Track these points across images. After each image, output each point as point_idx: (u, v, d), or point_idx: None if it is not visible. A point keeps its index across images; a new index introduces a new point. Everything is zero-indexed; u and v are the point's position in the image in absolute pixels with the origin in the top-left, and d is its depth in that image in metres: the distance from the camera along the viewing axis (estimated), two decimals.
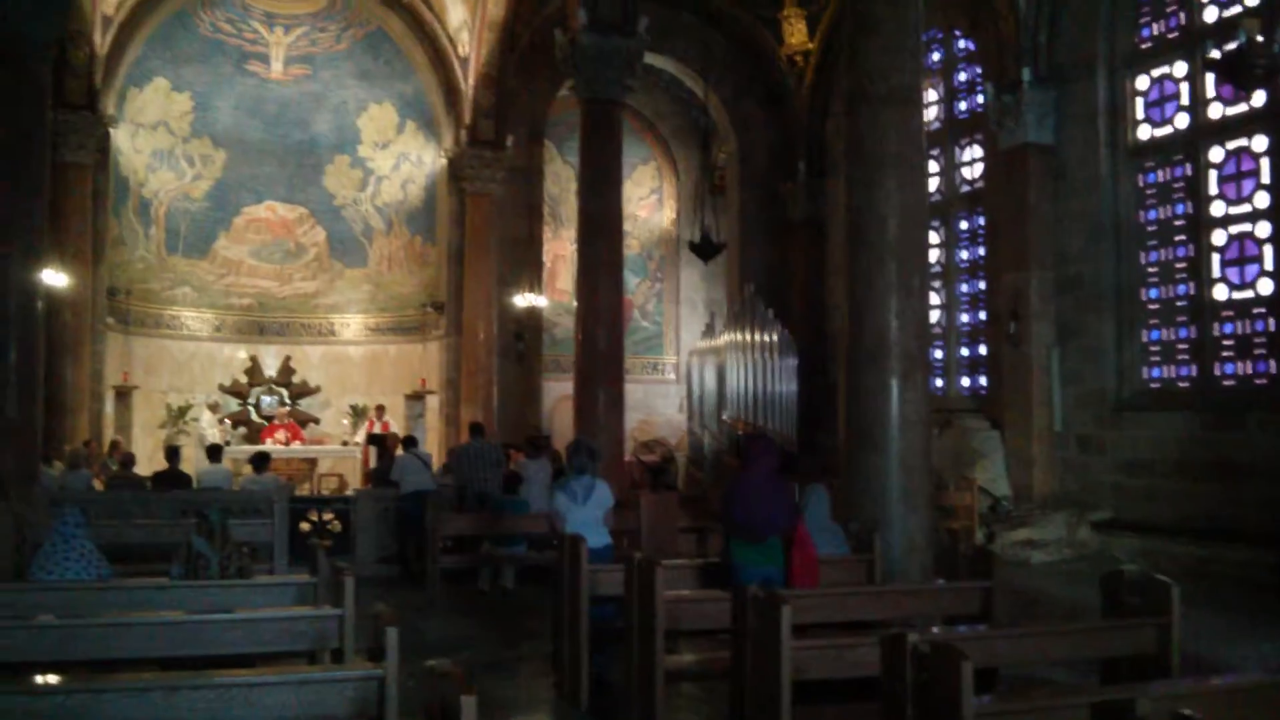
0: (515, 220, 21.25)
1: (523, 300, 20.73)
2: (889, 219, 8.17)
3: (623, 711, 6.83)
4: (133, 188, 21.07)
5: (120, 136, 20.16)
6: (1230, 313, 13.42)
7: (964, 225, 17.59)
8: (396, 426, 19.76)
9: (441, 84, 21.23)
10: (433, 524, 11.53)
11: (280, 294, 22.79)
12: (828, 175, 21.11)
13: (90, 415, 18.49)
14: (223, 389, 21.50)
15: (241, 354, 22.14)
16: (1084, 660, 6.09)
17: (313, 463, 19.84)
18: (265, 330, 22.58)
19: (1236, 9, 13.35)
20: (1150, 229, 14.42)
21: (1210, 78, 13.63)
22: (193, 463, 17.11)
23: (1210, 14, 13.80)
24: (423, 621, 9.98)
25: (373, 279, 22.90)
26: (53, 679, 4.77)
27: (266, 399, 21.37)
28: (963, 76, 17.84)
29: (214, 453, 14.51)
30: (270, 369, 21.84)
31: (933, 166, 17.44)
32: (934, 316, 17.14)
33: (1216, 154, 13.62)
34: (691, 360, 21.91)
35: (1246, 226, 13.24)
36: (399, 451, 14.17)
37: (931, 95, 17.66)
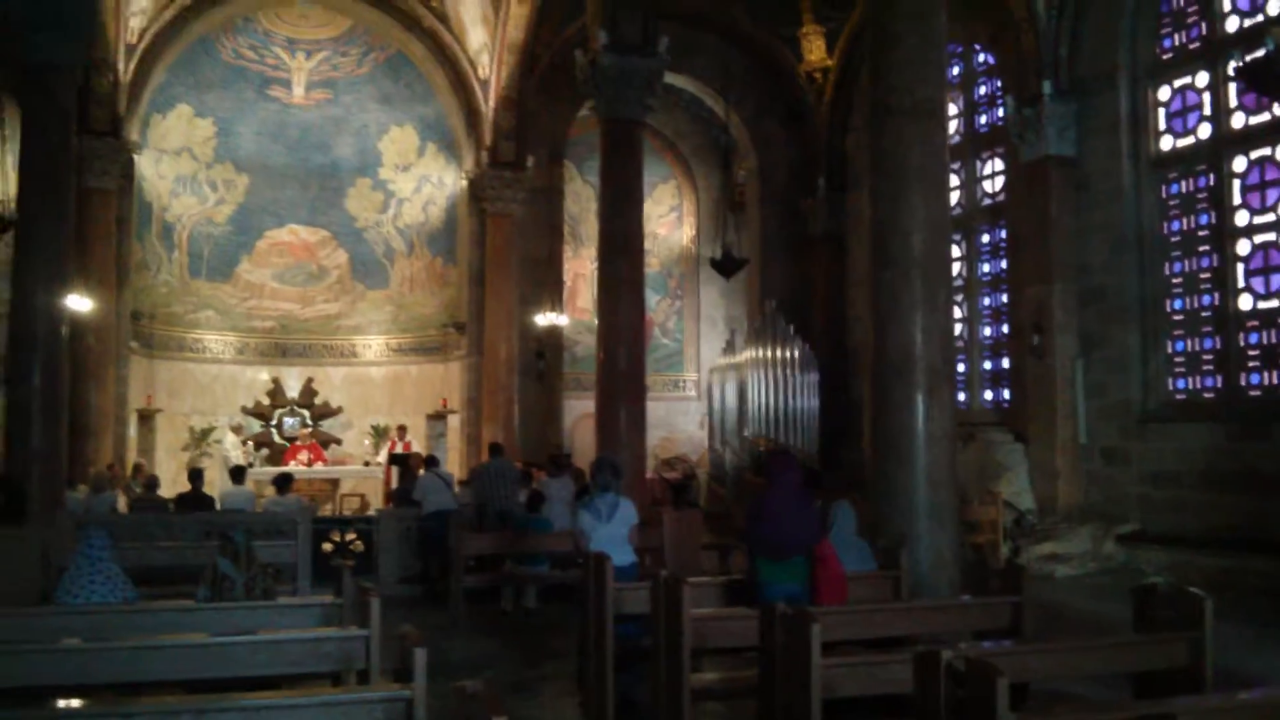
0: (536, 240, 21.31)
1: (544, 319, 20.75)
2: (913, 233, 8.14)
3: None
4: (156, 213, 21.23)
5: (144, 162, 20.31)
6: (1255, 323, 13.31)
7: (985, 239, 17.54)
8: (418, 446, 19.78)
9: (462, 106, 21.34)
10: (456, 543, 11.51)
11: (302, 316, 22.89)
12: (848, 190, 21.11)
13: (114, 439, 18.58)
14: (245, 411, 21.58)
15: (264, 376, 22.22)
16: (1115, 675, 6.02)
17: (335, 483, 19.90)
18: (287, 352, 22.68)
19: (1259, 19, 13.28)
20: (1174, 240, 14.33)
21: (1233, 87, 13.58)
22: (215, 485, 17.15)
23: (1232, 24, 13.73)
24: (446, 641, 9.95)
25: (394, 300, 22.98)
26: (78, 703, 4.77)
27: (289, 420, 21.43)
28: (983, 90, 17.81)
29: (237, 474, 14.53)
30: (292, 390, 21.92)
31: (953, 180, 17.38)
32: (956, 330, 17.06)
33: (1240, 163, 13.54)
34: (712, 377, 21.89)
35: (1271, 236, 13.14)
36: (421, 471, 14.17)
37: (952, 109, 17.58)
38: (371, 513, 17.58)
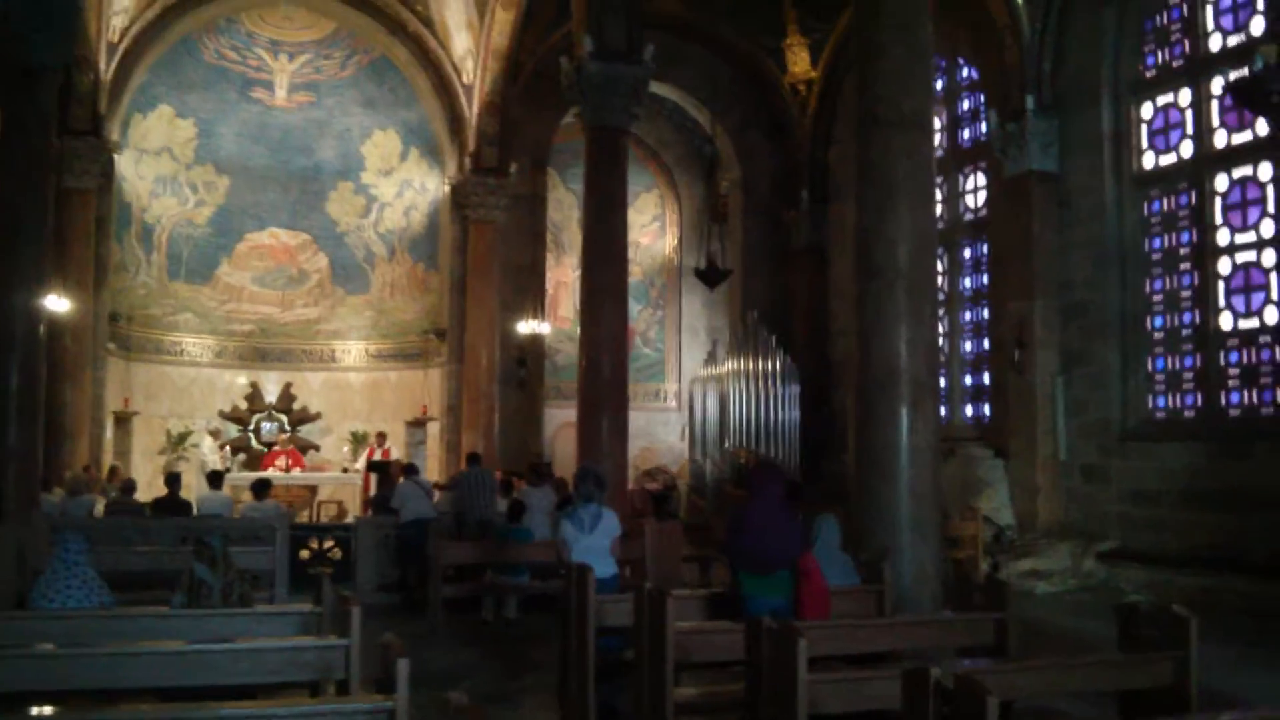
0: (518, 247, 21.27)
1: (526, 327, 20.70)
2: (899, 244, 8.13)
3: None
4: (135, 213, 21.08)
5: (124, 162, 20.18)
6: (1236, 341, 13.40)
7: (967, 253, 17.59)
8: (397, 453, 19.68)
9: (446, 111, 21.28)
10: (435, 552, 11.43)
11: (282, 320, 22.76)
12: (831, 202, 21.15)
13: (90, 441, 18.41)
14: (223, 415, 21.43)
15: (242, 380, 22.08)
16: (1100, 694, 6.01)
17: (313, 490, 19.76)
18: (266, 356, 22.55)
19: (1242, 37, 13.37)
20: (1155, 257, 14.41)
21: (1215, 105, 13.67)
22: (192, 489, 17.01)
23: (1215, 42, 13.82)
24: (425, 651, 9.87)
25: (375, 305, 22.89)
26: (51, 710, 4.69)
27: (267, 425, 21.28)
28: (966, 105, 17.88)
29: (214, 479, 14.42)
30: (271, 395, 21.77)
31: (936, 194, 17.41)
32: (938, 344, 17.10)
33: (1222, 182, 13.63)
34: (694, 387, 21.87)
35: (1252, 255, 13.23)
36: (400, 479, 14.08)
37: (935, 123, 17.65)
38: (349, 520, 17.49)
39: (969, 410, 17.40)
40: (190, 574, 6.97)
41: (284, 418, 21.46)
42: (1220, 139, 13.69)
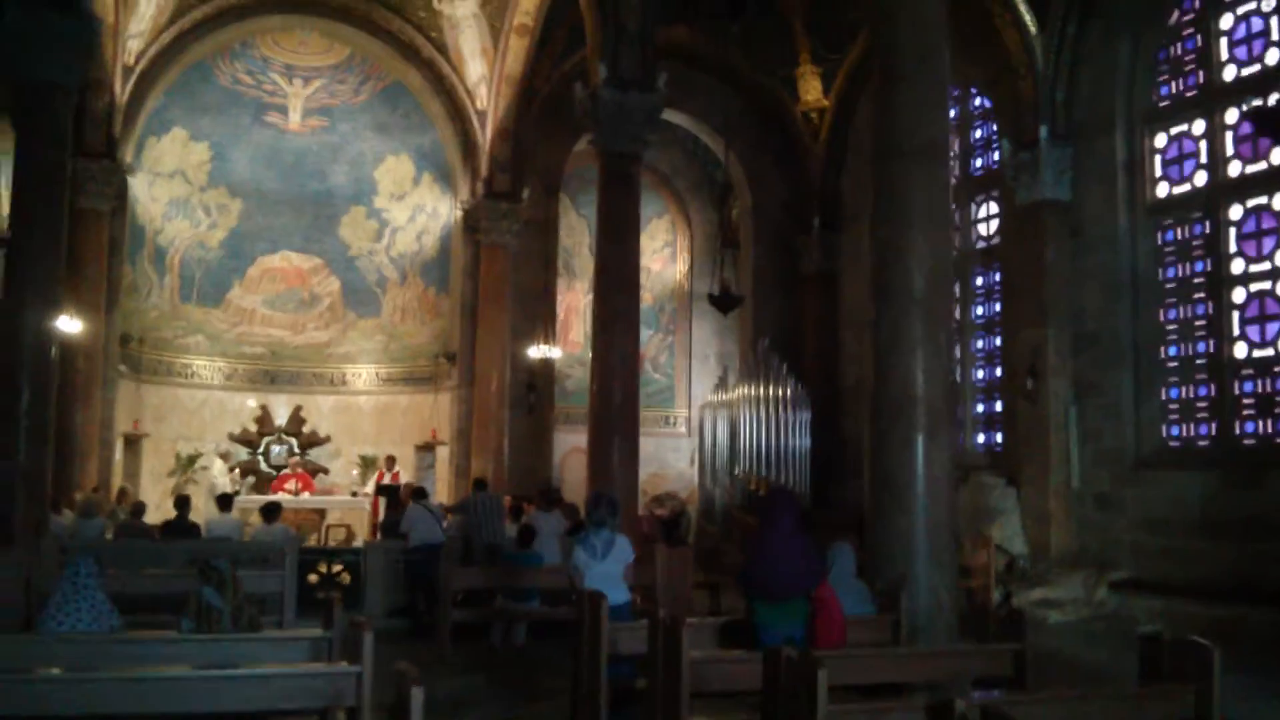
0: (529, 272, 21.28)
1: (536, 351, 20.67)
2: (915, 273, 8.09)
3: None
4: (148, 235, 21.13)
5: (138, 185, 20.24)
6: (1250, 371, 13.33)
7: (979, 281, 17.54)
8: (407, 477, 19.62)
9: (459, 137, 21.35)
10: (445, 577, 11.36)
11: (293, 343, 22.77)
12: (842, 230, 21.18)
13: (99, 463, 18.38)
14: (232, 438, 21.41)
15: (251, 403, 22.07)
16: None
17: (322, 513, 19.71)
18: (277, 379, 22.53)
19: (1256, 68, 13.36)
20: (1169, 286, 14.35)
21: (1230, 135, 13.65)
22: (201, 512, 16.96)
23: (1229, 72, 13.81)
24: (433, 677, 9.76)
25: (386, 329, 22.88)
26: None
27: (276, 448, 21.26)
28: (978, 134, 17.87)
29: (224, 502, 14.39)
30: (280, 418, 21.76)
31: None
32: None
33: (1236, 211, 13.58)
34: (704, 413, 21.80)
35: (1266, 284, 13.18)
36: (410, 503, 14.02)
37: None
38: (358, 544, 17.42)
39: (981, 438, 17.31)
40: (198, 598, 6.92)
41: (293, 441, 21.44)
42: (1234, 168, 13.65)
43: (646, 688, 6.77)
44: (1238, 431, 13.36)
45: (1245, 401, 13.33)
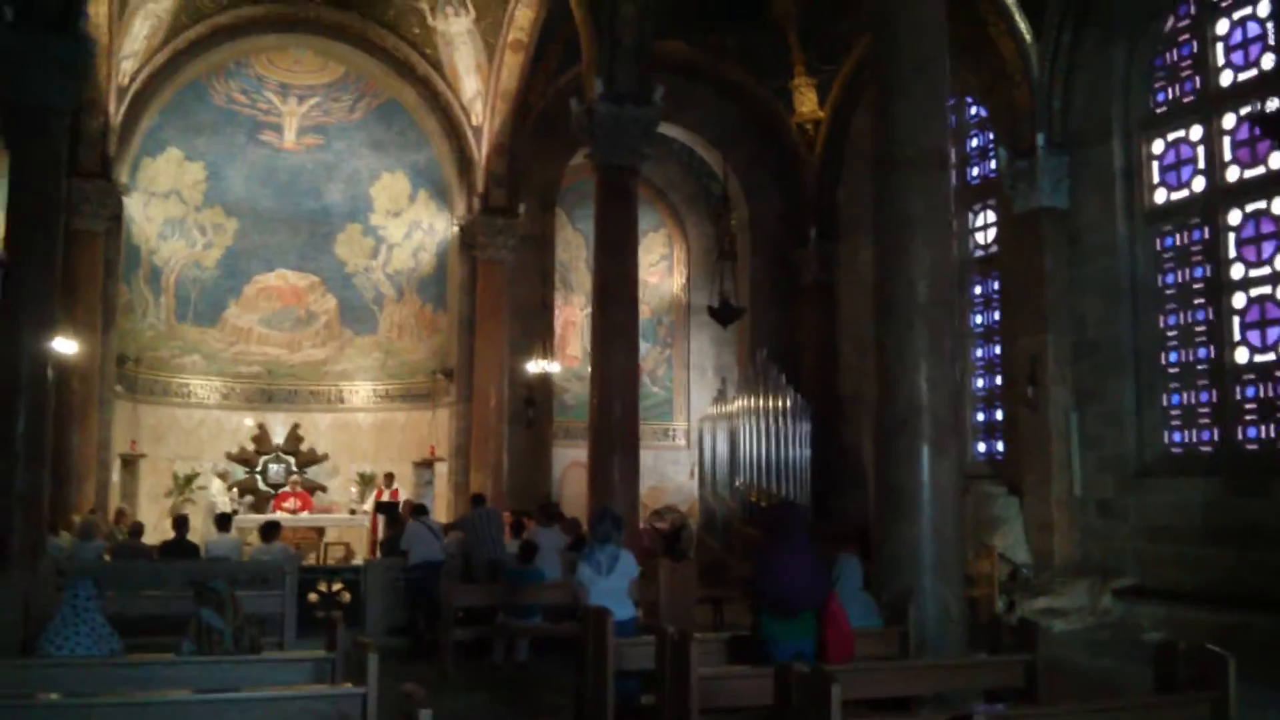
0: (527, 287, 21.23)
1: (534, 366, 20.62)
2: (917, 283, 8.04)
3: None
4: (144, 255, 21.08)
5: (133, 205, 20.20)
6: (1252, 376, 13.29)
7: (978, 290, 17.51)
8: (406, 494, 19.53)
9: (454, 153, 21.32)
10: (446, 595, 11.27)
11: (290, 361, 22.70)
12: (839, 241, 21.18)
13: (97, 484, 18.30)
14: (230, 457, 21.32)
15: (249, 422, 21.98)
16: None
17: (320, 532, 19.63)
18: (274, 398, 22.46)
19: (1253, 73, 13.36)
20: (1168, 292, 14.33)
21: (1228, 141, 13.64)
22: (199, 532, 16.86)
23: (1226, 78, 13.81)
24: (437, 697, 9.66)
25: (383, 346, 22.82)
26: None
27: (274, 467, 21.17)
28: (974, 142, 17.87)
29: (223, 522, 14.29)
30: (278, 437, 21.68)
31: None
32: None
33: (1235, 217, 13.57)
34: (703, 426, 21.74)
35: (1266, 289, 13.17)
36: (410, 520, 13.93)
37: None
38: (357, 562, 17.32)
39: (981, 447, 17.27)
40: (198, 620, 6.84)
41: (291, 459, 21.36)
42: (1233, 174, 13.64)
43: (653, 704, 6.70)
44: (1240, 437, 13.32)
45: (1247, 407, 13.30)
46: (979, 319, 17.49)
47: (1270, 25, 13.14)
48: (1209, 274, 13.81)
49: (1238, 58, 13.69)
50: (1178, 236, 14.32)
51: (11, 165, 13.62)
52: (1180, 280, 14.21)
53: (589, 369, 17.22)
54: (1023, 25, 15.24)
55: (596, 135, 14.65)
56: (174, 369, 21.70)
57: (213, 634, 6.80)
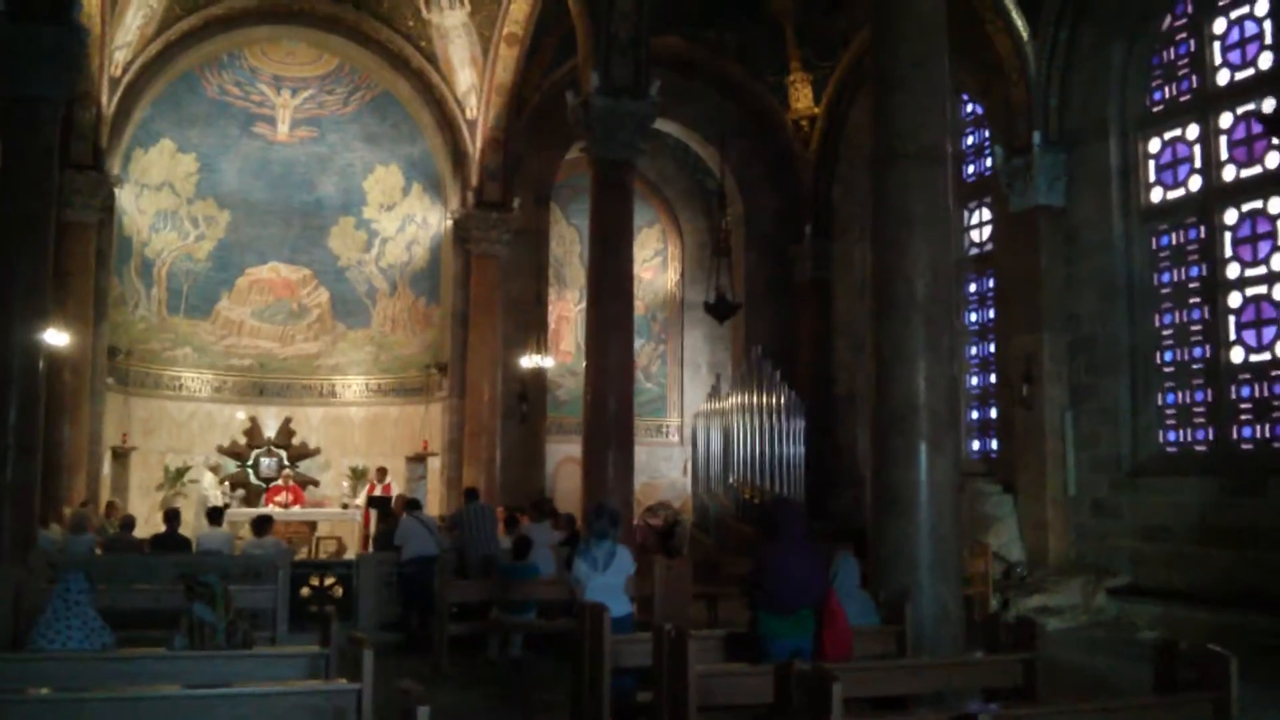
0: (521, 281, 21.16)
1: (528, 361, 20.55)
2: (916, 279, 8.00)
3: None
4: (135, 247, 20.97)
5: (125, 196, 20.08)
6: (1248, 375, 13.27)
7: (973, 288, 17.49)
8: (398, 489, 19.46)
9: (448, 146, 21.23)
10: (441, 590, 11.22)
11: (282, 355, 22.60)
12: (835, 238, 21.14)
13: (88, 477, 18.19)
14: (221, 450, 21.23)
15: (240, 415, 21.89)
16: None
17: (312, 526, 19.54)
18: (265, 391, 22.36)
19: (1250, 72, 13.34)
20: (1164, 291, 14.31)
21: (1224, 140, 13.63)
22: (190, 526, 16.79)
23: (1223, 77, 13.79)
24: (431, 693, 9.60)
25: (375, 340, 22.74)
26: None
27: (266, 461, 21.09)
28: (970, 140, 17.83)
29: (214, 515, 14.21)
30: (270, 430, 21.58)
31: None
32: None
33: (1231, 216, 13.55)
34: (696, 422, 21.69)
35: (1262, 289, 13.15)
36: (403, 515, 13.87)
37: None
38: (348, 556, 17.26)
39: (976, 445, 17.24)
40: (190, 614, 6.79)
41: (283, 453, 21.27)
42: (1229, 173, 13.63)
43: (650, 701, 6.66)
44: (1235, 437, 13.31)
45: (1243, 406, 13.29)
46: (974, 317, 17.47)
47: (1268, 24, 13.13)
48: (1205, 273, 13.79)
49: (1235, 57, 13.67)
50: (1174, 235, 14.30)
51: (3, 156, 13.53)
52: (1176, 279, 14.19)
53: (582, 365, 17.20)
54: (1019, 22, 15.22)
55: (592, 129, 14.59)
56: (165, 361, 21.60)
57: (205, 628, 6.76)
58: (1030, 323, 15.31)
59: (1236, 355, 13.41)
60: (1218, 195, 13.68)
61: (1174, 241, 14.28)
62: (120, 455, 19.53)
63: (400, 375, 22.44)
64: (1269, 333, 13.03)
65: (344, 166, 22.41)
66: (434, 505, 19.60)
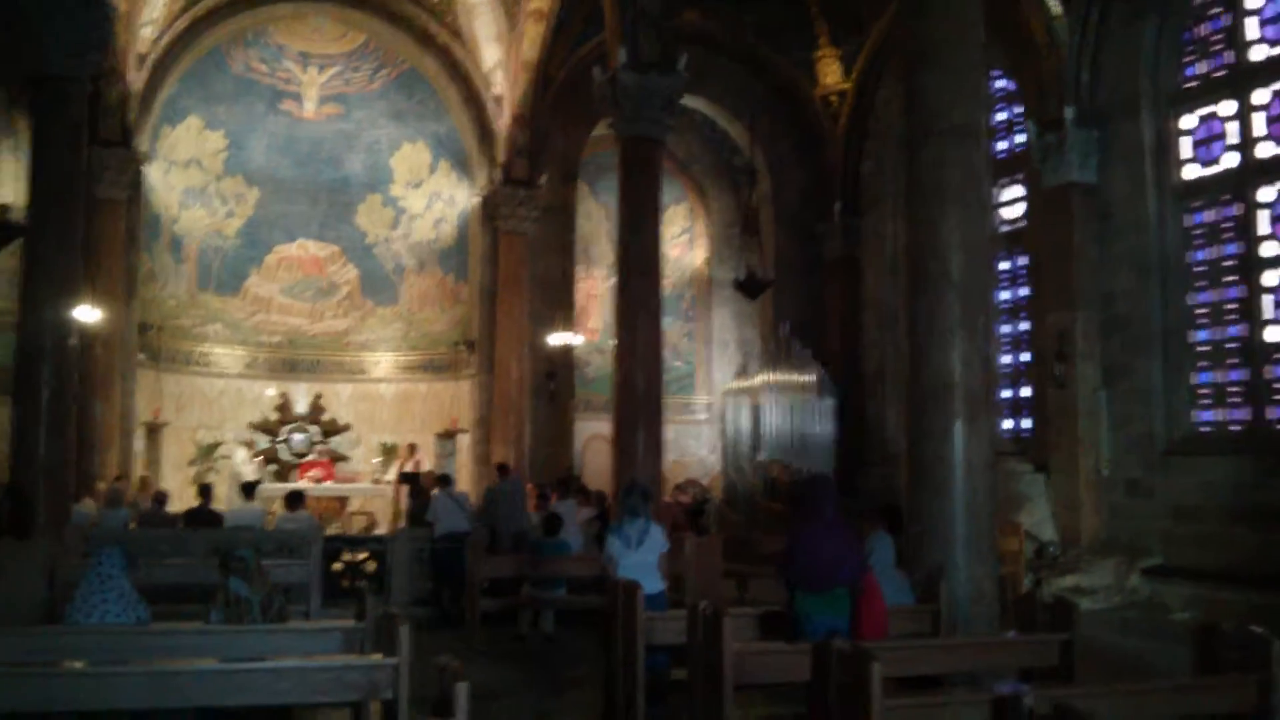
0: (548, 259, 21.13)
1: (557, 339, 20.54)
2: (951, 256, 7.90)
3: None
4: (165, 224, 21.03)
5: (153, 173, 20.13)
6: None
7: (1004, 265, 17.34)
8: (428, 465, 19.53)
9: (475, 123, 21.19)
10: (473, 566, 11.25)
11: (311, 332, 22.67)
12: (863, 214, 20.97)
13: (120, 452, 18.32)
14: (253, 426, 21.31)
15: (271, 391, 21.96)
16: (1174, 718, 5.76)
17: (344, 501, 19.65)
18: (296, 368, 22.43)
19: None
20: (1199, 270, 14.15)
21: (1261, 116, 13.43)
22: (223, 501, 16.89)
23: (1258, 52, 13.58)
24: (464, 668, 9.66)
25: (404, 317, 22.77)
26: None
27: (297, 437, 21.15)
28: (1001, 116, 17.64)
29: (248, 490, 14.30)
30: (300, 406, 21.66)
31: None
32: None
33: (1267, 193, 13.37)
34: (725, 400, 21.66)
35: None
36: (435, 491, 13.92)
37: None
38: (379, 531, 17.35)
39: (1008, 424, 17.12)
40: (226, 589, 6.82)
41: (314, 429, 21.33)
42: (1265, 150, 13.43)
43: (683, 678, 6.65)
44: (1270, 417, 13.17)
45: (1277, 386, 13.13)
46: (1005, 295, 17.32)
47: None
48: (1240, 251, 13.63)
49: (1270, 32, 13.46)
50: (1208, 213, 14.15)
51: (33, 133, 13.60)
52: (1211, 257, 14.04)
53: (610, 342, 17.16)
54: None
55: (620, 105, 14.49)
56: (196, 338, 21.70)
57: (241, 603, 6.79)
58: (1063, 301, 15.18)
59: (1271, 334, 13.26)
60: (1254, 172, 13.50)
61: (1208, 219, 14.13)
62: (152, 431, 19.66)
63: (429, 352, 22.47)
64: None
65: (371, 143, 22.39)
66: (463, 482, 19.65)
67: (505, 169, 20.64)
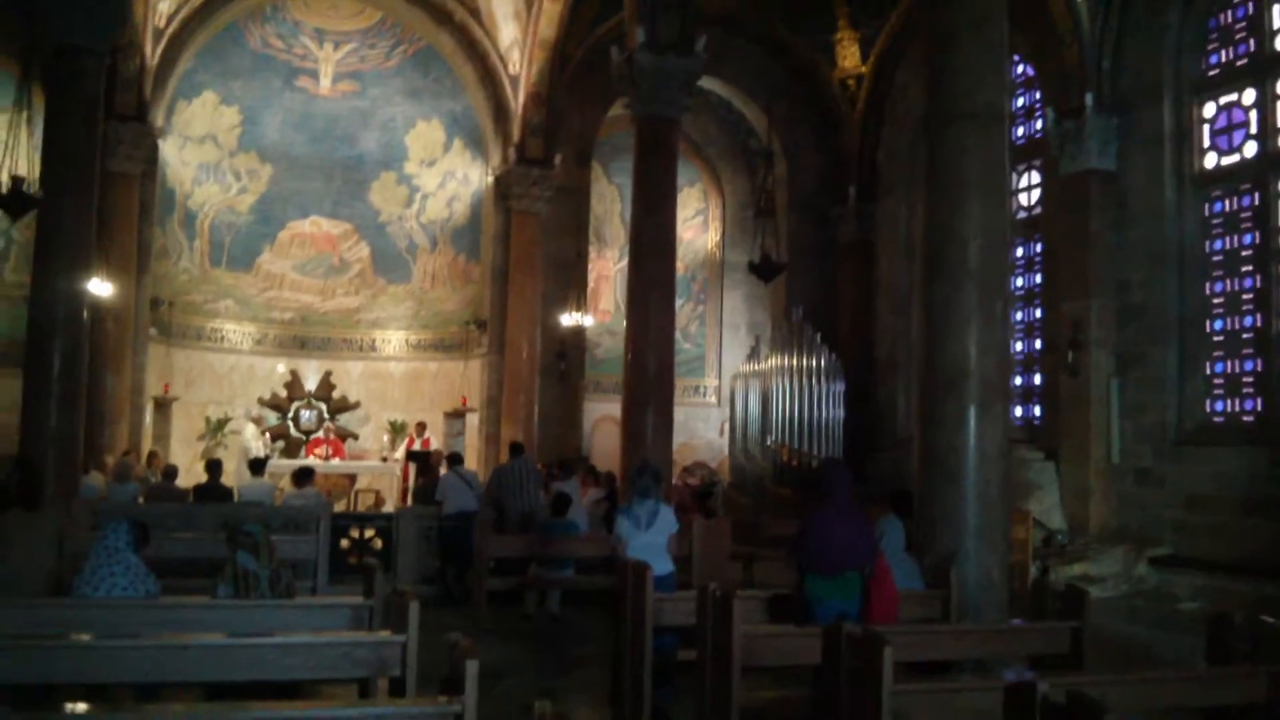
0: (561, 239, 21.07)
1: (569, 319, 20.50)
2: (970, 242, 7.84)
3: None
4: (178, 199, 21.03)
5: (168, 148, 20.13)
6: None
7: (1019, 252, 17.23)
8: (437, 444, 19.54)
9: (490, 102, 21.12)
10: (480, 545, 11.25)
11: (322, 309, 22.67)
12: (878, 200, 20.87)
13: (130, 426, 18.37)
14: (262, 402, 21.34)
15: (281, 368, 21.99)
16: (1183, 709, 5.73)
17: (352, 478, 19.68)
18: (306, 344, 22.46)
19: None
20: (1216, 259, 14.04)
21: None
22: (232, 476, 16.91)
23: None
24: None
25: (415, 295, 22.75)
26: (82, 708, 4.50)
27: (306, 413, 21.19)
28: (1020, 102, 17.52)
29: (256, 466, 14.31)
30: (310, 383, 21.69)
31: None
32: None
33: None
34: (735, 384, 21.60)
35: None
36: (443, 469, 13.91)
37: None
38: (387, 509, 17.36)
39: (1018, 411, 17.05)
40: (234, 563, 6.81)
41: (323, 406, 21.37)
42: None
43: (691, 660, 6.63)
44: None
45: None
46: (1020, 281, 17.22)
47: None
48: (1258, 241, 13.52)
49: None
50: (1227, 202, 14.02)
51: (48, 107, 13.59)
52: (1228, 247, 13.92)
53: (621, 324, 17.11)
54: None
55: (637, 85, 14.42)
56: (207, 313, 21.72)
57: (249, 578, 6.78)
58: (1078, 288, 15.08)
59: None
60: (1273, 162, 13.38)
61: (1227, 208, 14.00)
62: (162, 405, 19.70)
63: (440, 331, 22.47)
64: None
65: (385, 121, 22.34)
66: (471, 461, 19.67)
67: (520, 148, 20.57)
